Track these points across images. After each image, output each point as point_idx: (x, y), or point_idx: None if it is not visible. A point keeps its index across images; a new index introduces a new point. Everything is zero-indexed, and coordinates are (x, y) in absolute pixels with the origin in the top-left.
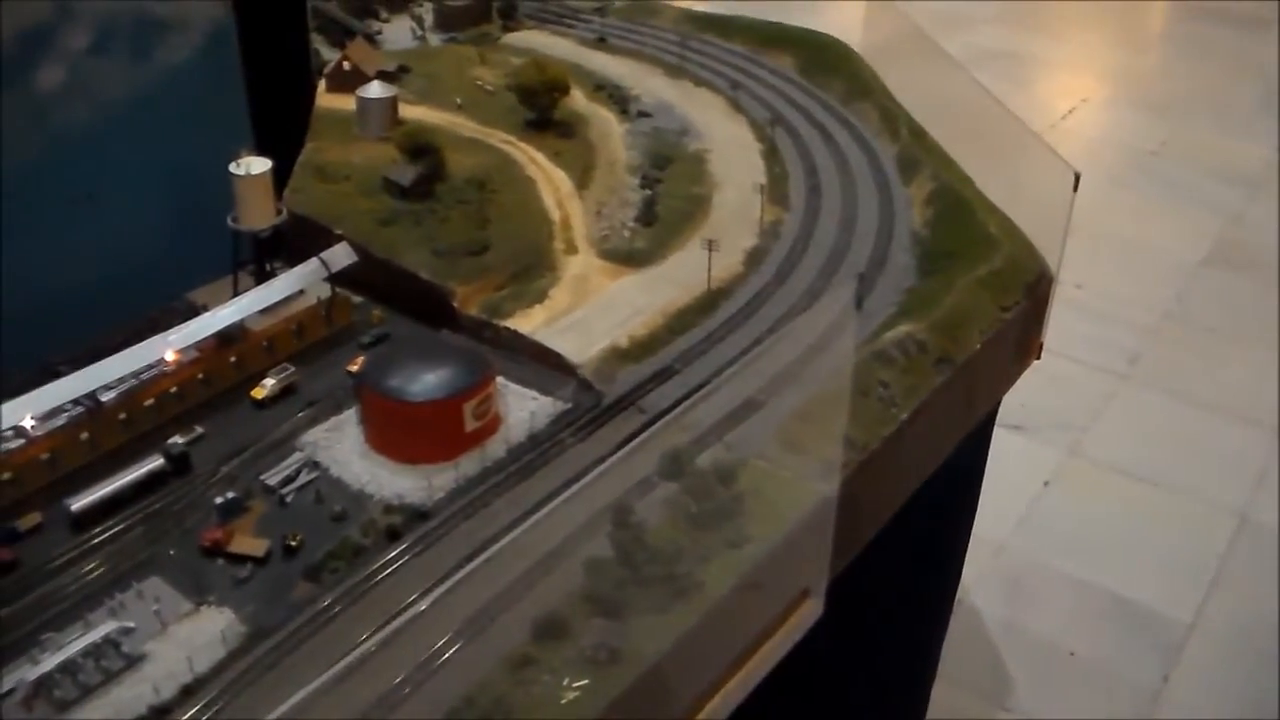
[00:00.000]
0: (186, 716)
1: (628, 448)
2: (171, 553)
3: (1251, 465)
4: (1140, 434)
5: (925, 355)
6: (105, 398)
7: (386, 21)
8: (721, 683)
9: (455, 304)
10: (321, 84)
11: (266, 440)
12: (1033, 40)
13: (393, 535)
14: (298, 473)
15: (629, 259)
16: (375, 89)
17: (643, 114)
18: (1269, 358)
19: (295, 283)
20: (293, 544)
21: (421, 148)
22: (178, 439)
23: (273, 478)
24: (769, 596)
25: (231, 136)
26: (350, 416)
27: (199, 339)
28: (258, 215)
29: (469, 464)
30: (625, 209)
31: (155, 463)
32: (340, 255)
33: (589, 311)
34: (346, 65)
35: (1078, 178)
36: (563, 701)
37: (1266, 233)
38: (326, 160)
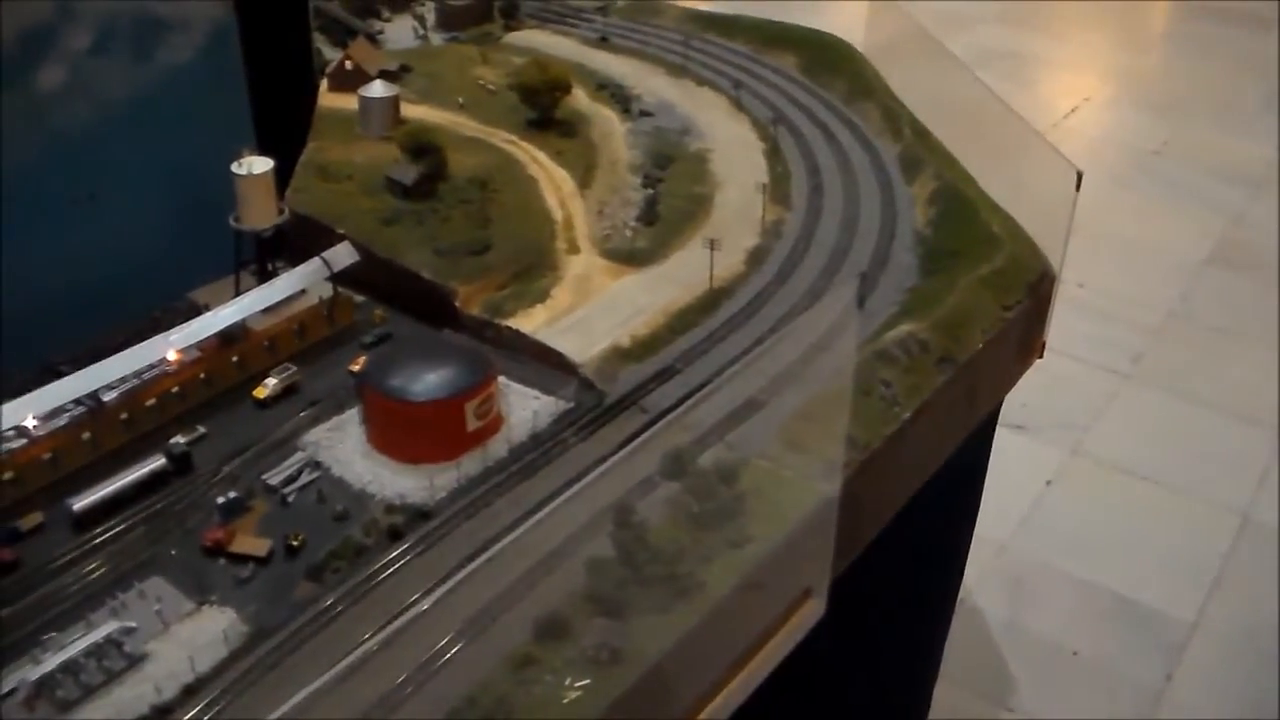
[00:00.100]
0: (188, 716)
1: (629, 447)
2: (173, 552)
3: (1254, 465)
4: (1142, 434)
5: (927, 354)
6: (107, 397)
7: (388, 21)
8: (723, 683)
9: (457, 303)
10: (323, 83)
11: (268, 440)
12: (1035, 40)
13: (395, 535)
14: (299, 472)
15: (631, 258)
16: (377, 88)
17: (645, 113)
18: (1271, 357)
19: (297, 282)
20: (295, 544)
21: (423, 147)
22: (179, 439)
23: (274, 477)
24: (771, 596)
25: (233, 136)
26: (352, 416)
27: (201, 338)
28: (260, 215)
29: (471, 464)
30: (627, 208)
31: (157, 462)
32: (342, 255)
33: (591, 311)
34: (348, 65)
35: (1080, 177)
36: (564, 701)
37: (1268, 232)
38: (328, 160)
